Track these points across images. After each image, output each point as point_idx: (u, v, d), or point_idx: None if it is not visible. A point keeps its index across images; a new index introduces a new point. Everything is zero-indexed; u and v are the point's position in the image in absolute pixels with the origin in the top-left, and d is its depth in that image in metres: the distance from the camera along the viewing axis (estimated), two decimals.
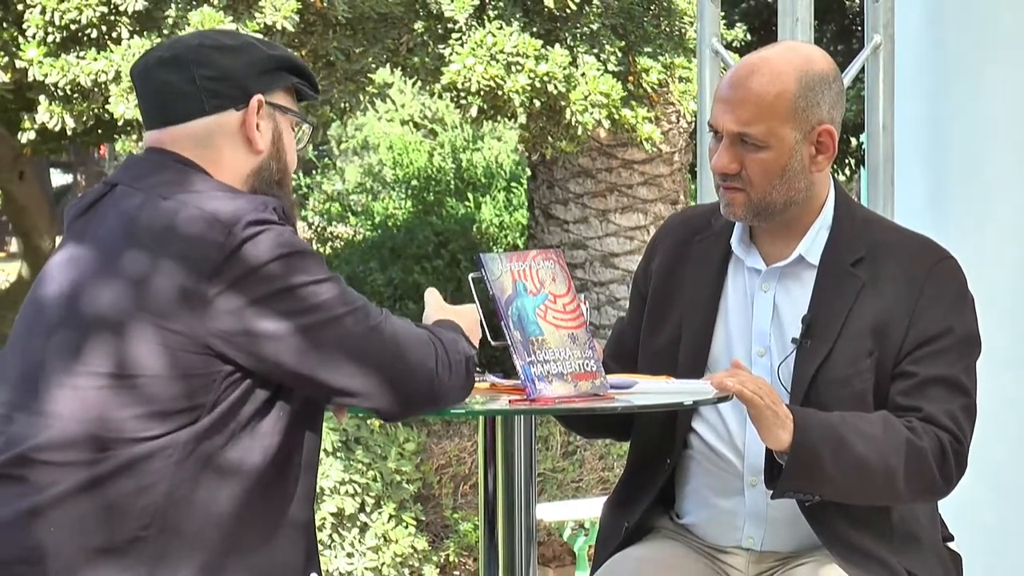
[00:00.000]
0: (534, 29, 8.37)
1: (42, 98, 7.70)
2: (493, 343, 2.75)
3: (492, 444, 2.84)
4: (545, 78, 8.00)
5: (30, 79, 7.59)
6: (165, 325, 2.42)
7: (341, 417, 2.62)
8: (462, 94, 8.03)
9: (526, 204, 11.45)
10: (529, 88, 7.98)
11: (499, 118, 8.45)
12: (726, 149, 2.89)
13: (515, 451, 2.84)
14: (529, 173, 10.83)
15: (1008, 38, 4.46)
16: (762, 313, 2.96)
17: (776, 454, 2.79)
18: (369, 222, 12.73)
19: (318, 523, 7.10)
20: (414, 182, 12.87)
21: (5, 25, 7.85)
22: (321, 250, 12.30)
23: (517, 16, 8.19)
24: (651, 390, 2.83)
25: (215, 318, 2.42)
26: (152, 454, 2.41)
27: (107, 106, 7.52)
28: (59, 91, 7.55)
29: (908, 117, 4.69)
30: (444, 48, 8.08)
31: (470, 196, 12.48)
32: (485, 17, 8.13)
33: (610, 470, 8.22)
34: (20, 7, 7.59)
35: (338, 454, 7.34)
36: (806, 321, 2.90)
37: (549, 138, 8.68)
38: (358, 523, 7.41)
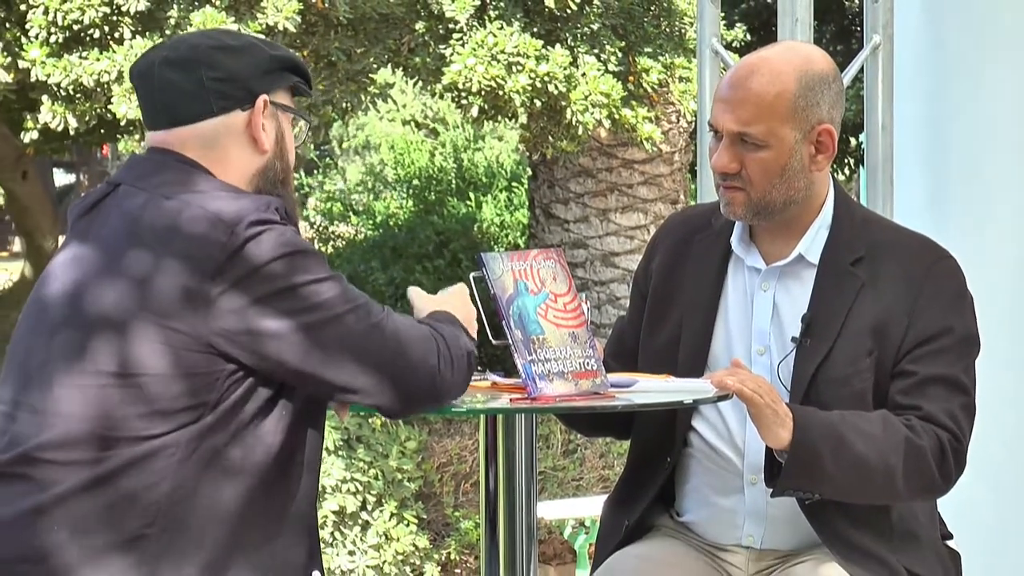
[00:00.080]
0: (535, 29, 8.36)
1: (45, 98, 7.70)
2: (494, 342, 2.75)
3: (493, 442, 2.84)
4: (546, 78, 8.00)
5: (33, 79, 7.58)
6: (168, 324, 2.42)
7: (343, 415, 2.63)
8: (463, 94, 8.03)
9: (527, 203, 11.44)
10: (530, 88, 7.98)
11: (500, 118, 8.44)
12: (726, 149, 2.90)
13: (516, 449, 2.84)
14: (530, 173, 10.82)
15: (1008, 38, 4.46)
16: (762, 312, 2.96)
17: (776, 452, 2.80)
18: (370, 221, 12.72)
19: (320, 521, 7.10)
20: (415, 182, 12.86)
21: (8, 25, 7.85)
22: (323, 249, 12.28)
23: (518, 16, 8.18)
24: (651, 389, 2.84)
25: (218, 317, 2.43)
26: (155, 452, 2.42)
27: (109, 106, 7.52)
28: (62, 91, 7.55)
29: (907, 117, 4.69)
30: (445, 48, 8.08)
31: (471, 196, 12.47)
32: (486, 17, 8.12)
33: (610, 468, 8.22)
34: (23, 7, 7.58)
35: (340, 452, 7.34)
36: (806, 320, 2.91)
37: (550, 138, 8.68)
38: (360, 521, 7.41)
